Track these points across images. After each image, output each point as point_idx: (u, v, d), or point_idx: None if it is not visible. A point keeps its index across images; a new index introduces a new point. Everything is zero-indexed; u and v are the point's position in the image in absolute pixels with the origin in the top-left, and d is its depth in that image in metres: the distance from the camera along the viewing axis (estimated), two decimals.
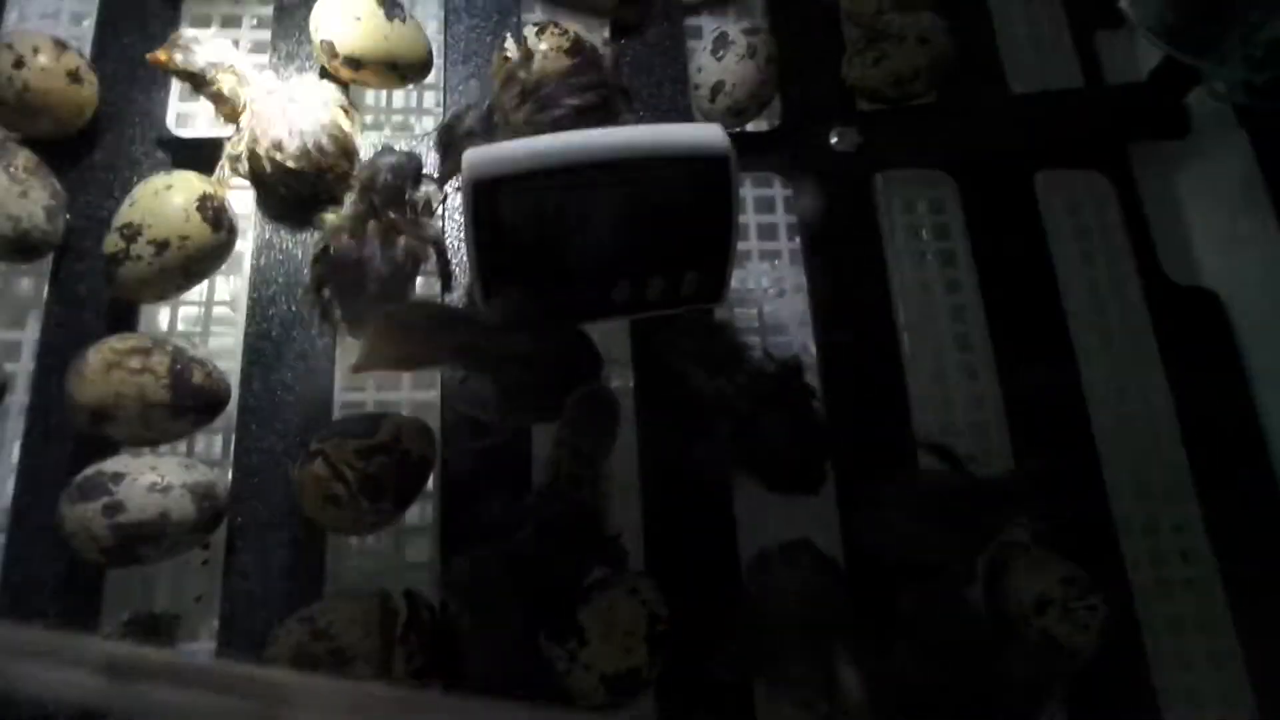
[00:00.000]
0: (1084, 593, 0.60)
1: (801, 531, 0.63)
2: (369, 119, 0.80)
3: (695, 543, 0.65)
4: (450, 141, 0.71)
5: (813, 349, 0.72)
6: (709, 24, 0.84)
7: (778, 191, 0.78)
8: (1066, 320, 0.75)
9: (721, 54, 0.75)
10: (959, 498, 0.63)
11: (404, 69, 0.75)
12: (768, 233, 0.77)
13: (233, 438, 0.66)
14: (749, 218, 0.76)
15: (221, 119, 0.72)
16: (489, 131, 0.70)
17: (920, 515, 0.62)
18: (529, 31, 0.74)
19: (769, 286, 0.76)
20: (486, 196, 0.63)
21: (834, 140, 0.77)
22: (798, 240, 0.76)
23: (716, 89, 0.75)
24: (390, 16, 0.74)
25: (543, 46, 0.73)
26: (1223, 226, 0.79)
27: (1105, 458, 0.71)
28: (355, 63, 0.75)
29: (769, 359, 0.65)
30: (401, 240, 0.67)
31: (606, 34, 0.81)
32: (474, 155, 0.65)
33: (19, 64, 0.69)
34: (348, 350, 0.69)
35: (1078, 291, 0.78)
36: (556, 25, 0.75)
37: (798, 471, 0.65)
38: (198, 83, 0.70)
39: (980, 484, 0.64)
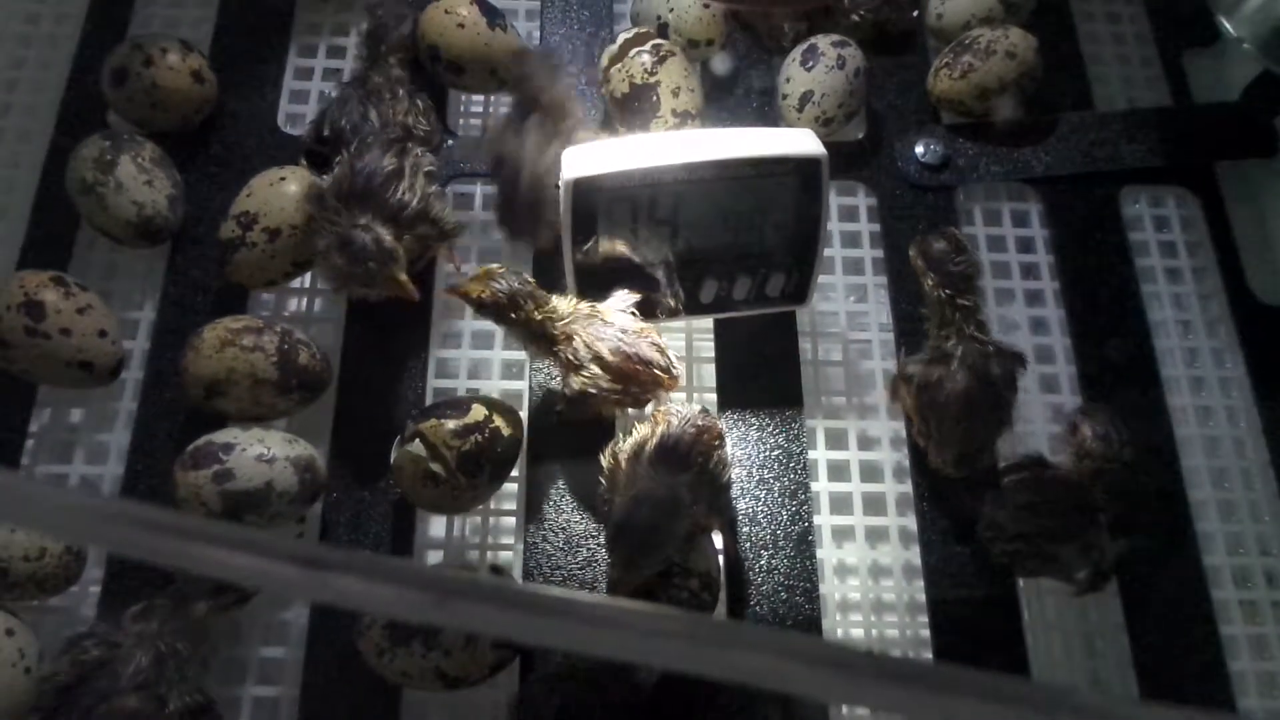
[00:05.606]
0: None
1: None
2: (462, 122, 0.83)
3: None
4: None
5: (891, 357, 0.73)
6: None
7: (862, 200, 0.79)
8: (1150, 336, 0.75)
9: (811, 64, 0.76)
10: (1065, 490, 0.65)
11: (503, 75, 0.78)
12: (851, 240, 0.78)
13: (332, 419, 0.69)
14: (834, 225, 0.78)
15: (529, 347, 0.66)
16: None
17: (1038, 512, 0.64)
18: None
19: (850, 294, 0.77)
20: (584, 193, 0.66)
21: (919, 152, 0.79)
22: (881, 249, 0.77)
23: (805, 99, 0.76)
24: (492, 25, 0.78)
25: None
26: None
27: (1189, 476, 0.71)
28: (457, 68, 0.78)
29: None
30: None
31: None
32: (574, 153, 0.67)
33: (148, 63, 0.74)
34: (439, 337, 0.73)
35: (1162, 308, 0.77)
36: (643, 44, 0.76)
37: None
38: (503, 314, 0.64)
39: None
